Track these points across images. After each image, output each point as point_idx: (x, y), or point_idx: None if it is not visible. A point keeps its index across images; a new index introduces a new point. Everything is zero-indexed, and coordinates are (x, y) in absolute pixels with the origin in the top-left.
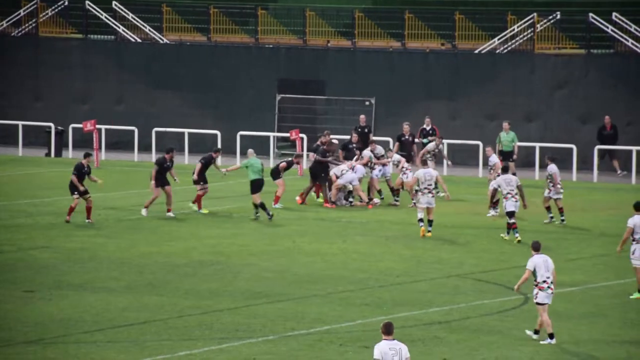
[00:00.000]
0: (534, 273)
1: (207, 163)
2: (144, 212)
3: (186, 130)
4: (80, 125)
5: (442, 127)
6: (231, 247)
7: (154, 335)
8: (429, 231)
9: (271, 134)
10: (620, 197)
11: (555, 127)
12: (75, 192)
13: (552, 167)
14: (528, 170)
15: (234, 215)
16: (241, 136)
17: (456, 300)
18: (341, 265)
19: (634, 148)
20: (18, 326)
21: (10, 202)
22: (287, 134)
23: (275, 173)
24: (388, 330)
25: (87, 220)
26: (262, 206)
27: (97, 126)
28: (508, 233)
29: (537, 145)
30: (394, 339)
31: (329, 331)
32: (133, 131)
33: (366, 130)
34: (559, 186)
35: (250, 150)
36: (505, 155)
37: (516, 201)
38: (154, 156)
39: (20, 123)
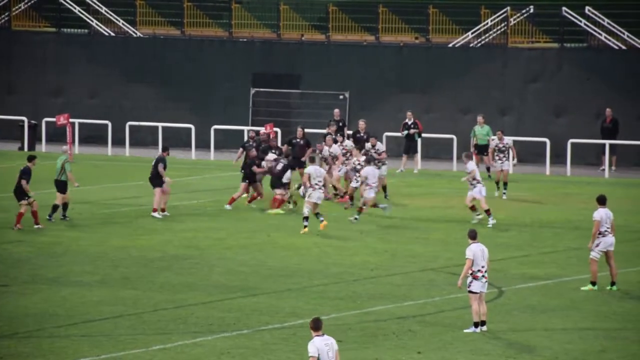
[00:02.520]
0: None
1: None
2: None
3: (160, 124)
4: (53, 119)
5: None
6: (206, 241)
7: (128, 330)
8: (322, 221)
9: (245, 128)
10: (594, 190)
11: (529, 120)
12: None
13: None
14: None
15: (208, 209)
16: (215, 130)
17: (430, 294)
18: (316, 259)
19: (607, 142)
20: None
21: None
22: (262, 128)
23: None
24: (318, 326)
25: (36, 226)
26: (54, 208)
27: (71, 120)
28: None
29: (511, 139)
30: (324, 334)
31: (303, 325)
32: (107, 125)
33: (340, 124)
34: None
35: (63, 148)
36: (480, 149)
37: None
38: (127, 150)
39: None
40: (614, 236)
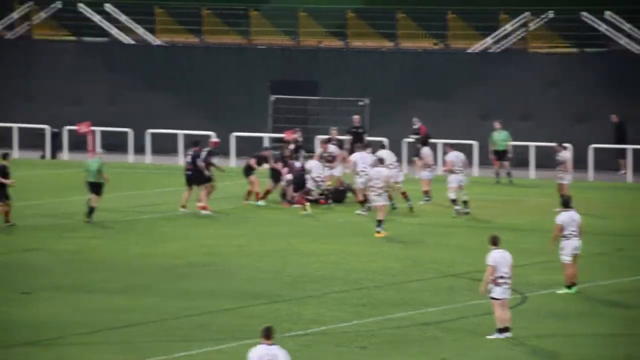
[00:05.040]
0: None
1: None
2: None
3: (180, 132)
4: (74, 127)
5: (435, 126)
6: (227, 247)
7: (150, 337)
8: (377, 232)
9: (265, 135)
10: (615, 195)
11: (549, 126)
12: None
13: (566, 154)
14: (522, 169)
15: (229, 216)
16: (235, 137)
17: (452, 300)
18: (336, 265)
19: (629, 147)
20: (15, 328)
21: None
22: (281, 135)
23: (247, 170)
24: (267, 334)
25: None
26: (90, 210)
27: (92, 128)
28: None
29: (532, 144)
30: (273, 344)
31: (325, 332)
32: (127, 133)
33: (360, 130)
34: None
35: (98, 151)
36: (499, 155)
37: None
38: (148, 157)
39: (15, 125)
40: (581, 239)
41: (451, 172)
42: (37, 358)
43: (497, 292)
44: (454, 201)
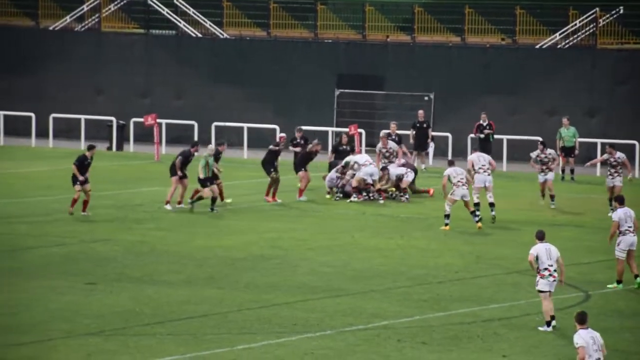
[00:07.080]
0: (536, 260)
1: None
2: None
3: (245, 125)
4: (141, 120)
5: (501, 122)
6: (290, 241)
7: (213, 329)
8: (477, 221)
9: (330, 129)
10: None
11: (617, 122)
12: (77, 183)
13: (622, 155)
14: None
15: (293, 209)
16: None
17: (516, 297)
18: (400, 260)
19: None
20: (79, 318)
21: (72, 195)
22: (346, 129)
23: (299, 165)
24: (583, 319)
25: (82, 213)
26: (213, 200)
27: (158, 120)
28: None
29: (599, 141)
30: (588, 327)
31: (386, 326)
32: (193, 125)
33: (425, 125)
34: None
35: (209, 146)
36: (567, 151)
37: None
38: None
39: (82, 117)
40: (635, 235)
41: (474, 172)
42: (101, 347)
43: (543, 284)
44: (476, 205)
